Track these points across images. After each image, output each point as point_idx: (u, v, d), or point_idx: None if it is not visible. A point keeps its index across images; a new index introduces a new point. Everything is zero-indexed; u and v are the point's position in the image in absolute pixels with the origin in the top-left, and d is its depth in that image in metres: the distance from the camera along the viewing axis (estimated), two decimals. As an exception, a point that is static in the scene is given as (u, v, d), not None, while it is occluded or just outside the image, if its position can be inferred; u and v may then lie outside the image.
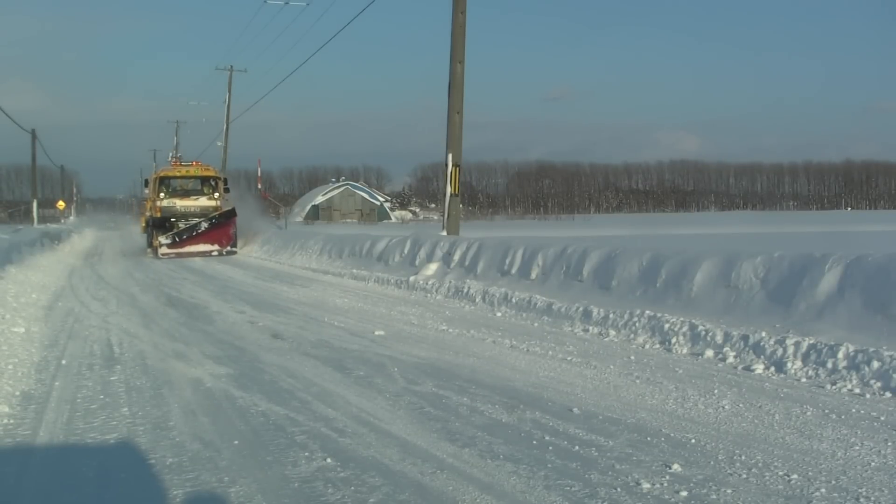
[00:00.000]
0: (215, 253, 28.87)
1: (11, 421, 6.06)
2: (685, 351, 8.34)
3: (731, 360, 7.76)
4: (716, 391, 6.64)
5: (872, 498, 4.28)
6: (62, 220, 73.62)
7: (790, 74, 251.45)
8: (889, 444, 5.17)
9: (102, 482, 4.82)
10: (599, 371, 7.59)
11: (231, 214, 29.98)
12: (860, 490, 4.38)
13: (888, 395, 6.34)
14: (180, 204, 30.21)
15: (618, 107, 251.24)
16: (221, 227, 29.46)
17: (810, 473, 4.65)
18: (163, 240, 28.55)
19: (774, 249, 9.47)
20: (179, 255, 28.25)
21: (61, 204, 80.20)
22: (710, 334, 8.33)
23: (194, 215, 29.98)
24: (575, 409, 6.15)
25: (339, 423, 5.91)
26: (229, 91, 52.55)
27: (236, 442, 5.51)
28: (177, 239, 28.69)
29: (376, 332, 10.09)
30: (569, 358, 8.24)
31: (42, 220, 60.19)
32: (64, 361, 8.43)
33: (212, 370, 7.98)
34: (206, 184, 31.14)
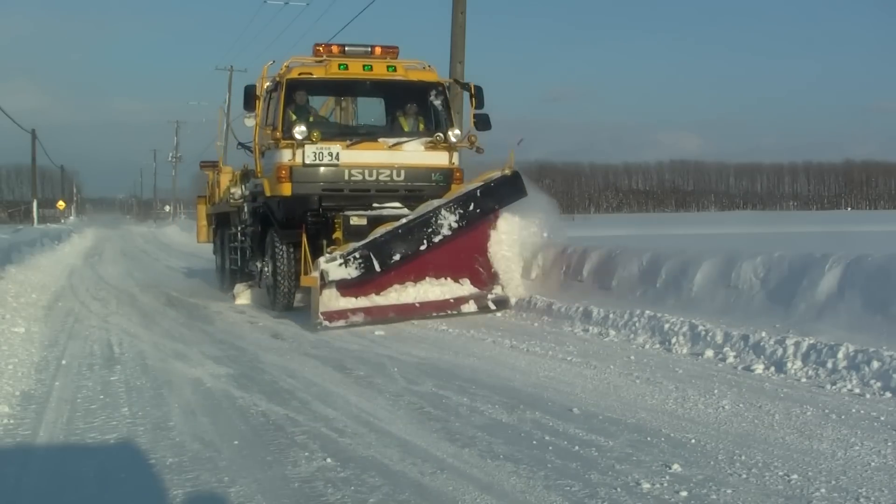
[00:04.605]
0: (470, 307, 11.47)
1: (11, 421, 6.05)
2: (685, 351, 8.33)
3: (731, 360, 7.76)
4: (716, 391, 6.63)
5: (872, 498, 4.28)
6: (62, 221, 73.59)
7: (790, 74, 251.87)
8: (889, 444, 5.17)
9: (102, 482, 4.82)
10: (599, 371, 7.59)
11: (509, 190, 11.99)
12: (860, 490, 4.38)
13: (888, 395, 6.33)
14: (350, 160, 12.24)
15: (618, 107, 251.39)
16: (474, 231, 11.82)
17: (810, 473, 4.64)
18: (332, 269, 10.65)
19: (774, 249, 9.47)
20: (377, 316, 10.87)
21: (61, 204, 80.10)
22: (710, 334, 8.32)
23: (387, 194, 12.40)
24: (575, 409, 6.15)
25: (339, 423, 5.91)
26: (229, 91, 52.37)
27: (236, 442, 5.51)
28: (376, 265, 10.94)
29: (376, 332, 10.08)
30: (569, 358, 8.23)
31: (42, 220, 60.13)
32: (64, 361, 8.42)
33: (212, 370, 7.98)
34: (415, 106, 13.00)
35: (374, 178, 12.31)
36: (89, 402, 6.70)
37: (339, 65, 12.65)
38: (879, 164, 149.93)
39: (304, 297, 12.12)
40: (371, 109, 14.45)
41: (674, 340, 8.57)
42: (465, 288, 11.69)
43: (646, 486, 4.48)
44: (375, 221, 11.56)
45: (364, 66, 12.75)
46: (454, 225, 11.39)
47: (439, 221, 11.34)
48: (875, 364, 6.70)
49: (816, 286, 8.26)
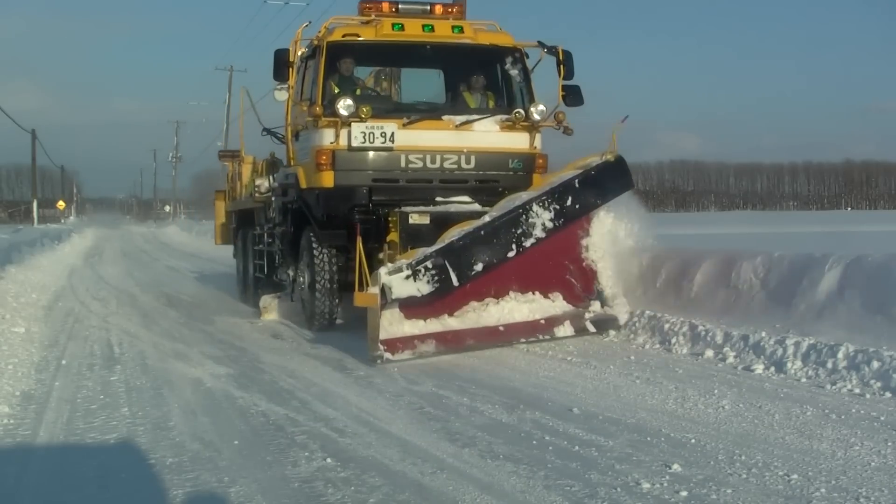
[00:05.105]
0: (565, 330, 9.14)
1: (11, 421, 6.06)
2: (685, 351, 8.33)
3: (731, 360, 7.76)
4: (716, 391, 6.63)
5: (872, 498, 4.28)
6: (62, 221, 73.63)
7: (790, 74, 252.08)
8: (889, 444, 5.17)
9: (102, 482, 4.82)
10: (599, 371, 7.59)
11: (613, 180, 9.81)
12: (860, 490, 4.38)
13: (888, 395, 6.33)
14: (407, 142, 9.98)
15: (618, 107, 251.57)
16: (564, 232, 9.37)
17: (810, 473, 4.64)
18: (397, 283, 8.15)
19: (774, 249, 9.47)
20: (452, 345, 8.52)
21: (61, 204, 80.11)
22: (710, 334, 8.32)
23: (453, 185, 10.22)
24: (575, 409, 6.15)
25: (339, 423, 5.91)
26: (229, 91, 52.49)
27: (236, 442, 5.52)
28: (453, 278, 8.45)
29: (376, 332, 10.04)
30: (569, 358, 8.24)
31: (42, 220, 60.14)
32: (64, 361, 8.42)
33: (212, 370, 7.98)
34: (483, 78, 10.71)
35: (437, 165, 10.07)
36: (89, 402, 6.70)
37: (393, 25, 10.21)
38: (879, 164, 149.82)
39: (344, 312, 10.24)
40: (423, 83, 11.97)
41: (674, 340, 8.57)
42: (558, 305, 9.45)
43: (646, 486, 4.48)
44: (441, 220, 9.38)
45: (424, 26, 10.33)
46: (549, 225, 9.05)
47: (531, 220, 8.97)
48: (875, 364, 6.70)
49: (816, 286, 8.25)
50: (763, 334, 7.86)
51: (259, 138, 13.39)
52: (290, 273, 11.18)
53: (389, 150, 9.87)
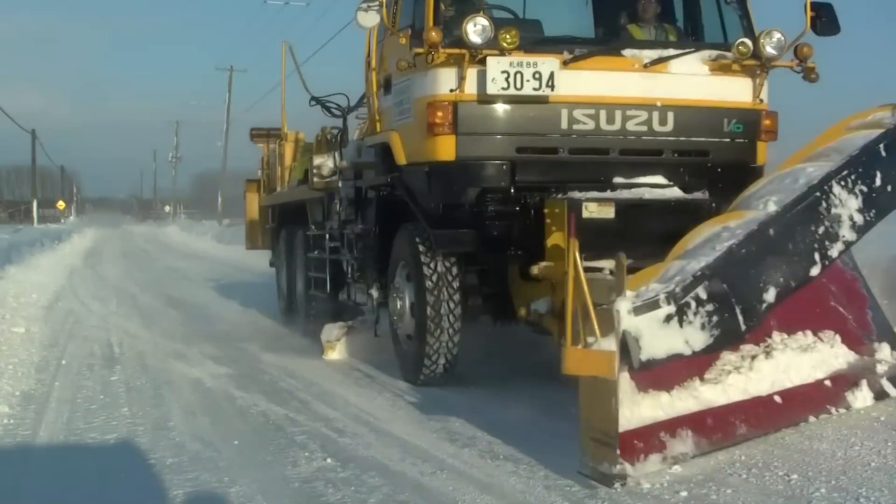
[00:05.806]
0: (862, 398, 5.60)
1: (11, 421, 6.06)
2: (685, 351, 8.29)
3: (731, 360, 7.72)
4: (716, 391, 6.61)
5: (872, 498, 4.27)
6: (62, 221, 73.57)
7: (789, 74, 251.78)
8: (889, 444, 5.16)
9: (102, 482, 4.82)
10: (599, 371, 7.55)
11: None
12: (860, 490, 4.37)
13: (888, 395, 6.31)
14: (571, 90, 6.34)
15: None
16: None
17: (810, 473, 4.63)
18: (652, 329, 4.44)
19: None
20: (717, 437, 4.90)
21: (61, 204, 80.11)
22: (710, 334, 8.26)
23: (642, 159, 6.70)
24: (575, 409, 6.13)
25: (339, 423, 5.91)
26: (229, 91, 52.69)
27: (236, 442, 5.52)
28: (739, 318, 4.76)
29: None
30: (569, 358, 8.20)
31: (42, 220, 60.07)
32: (64, 361, 8.43)
33: (212, 370, 7.98)
34: (657, 2, 7.13)
35: (616, 126, 6.61)
36: (89, 402, 6.71)
37: None
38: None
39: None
40: (556, 14, 7.91)
41: (674, 340, 8.53)
42: (839, 353, 5.75)
43: (646, 486, 4.47)
44: (628, 213, 6.30)
45: None
46: (857, 220, 5.33)
47: (833, 211, 5.29)
48: (875, 364, 6.65)
49: (816, 286, 8.21)
50: (763, 334, 7.83)
51: (305, 112, 10.44)
52: (374, 293, 7.88)
53: (544, 101, 6.41)
